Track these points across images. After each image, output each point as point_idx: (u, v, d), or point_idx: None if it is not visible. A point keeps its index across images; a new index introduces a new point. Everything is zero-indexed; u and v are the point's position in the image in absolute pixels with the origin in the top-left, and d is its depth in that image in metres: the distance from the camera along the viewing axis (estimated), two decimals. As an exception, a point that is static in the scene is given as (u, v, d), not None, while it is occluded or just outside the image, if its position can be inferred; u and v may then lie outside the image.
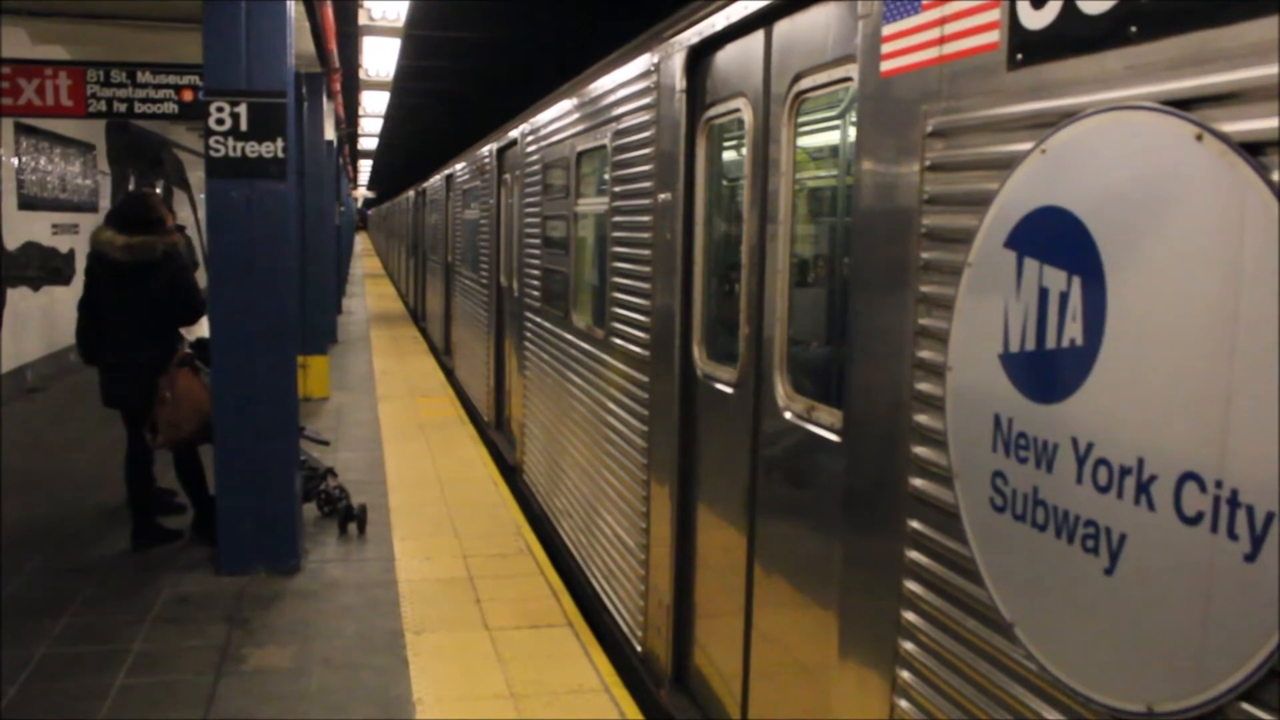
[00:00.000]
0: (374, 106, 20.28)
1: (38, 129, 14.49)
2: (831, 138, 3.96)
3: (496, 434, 11.47)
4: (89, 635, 6.06)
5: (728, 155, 4.80)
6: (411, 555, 7.57)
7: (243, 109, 6.81)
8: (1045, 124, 2.29)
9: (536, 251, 8.71)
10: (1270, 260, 1.75)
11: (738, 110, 4.36)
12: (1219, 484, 1.84)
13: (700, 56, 4.77)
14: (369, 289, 36.71)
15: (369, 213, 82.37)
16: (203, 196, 7.63)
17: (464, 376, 14.61)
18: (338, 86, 16.10)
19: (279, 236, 7.06)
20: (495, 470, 10.27)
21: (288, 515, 7.24)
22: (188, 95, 10.34)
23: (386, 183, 57.84)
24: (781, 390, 3.95)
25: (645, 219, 5.43)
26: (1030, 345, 2.32)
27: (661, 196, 5.16)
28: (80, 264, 11.07)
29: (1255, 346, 1.78)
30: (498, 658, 5.85)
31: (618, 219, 5.99)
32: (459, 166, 15.19)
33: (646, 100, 5.44)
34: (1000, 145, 2.45)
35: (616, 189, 6.00)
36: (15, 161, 14.00)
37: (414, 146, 33.70)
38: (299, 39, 10.75)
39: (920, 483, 2.77)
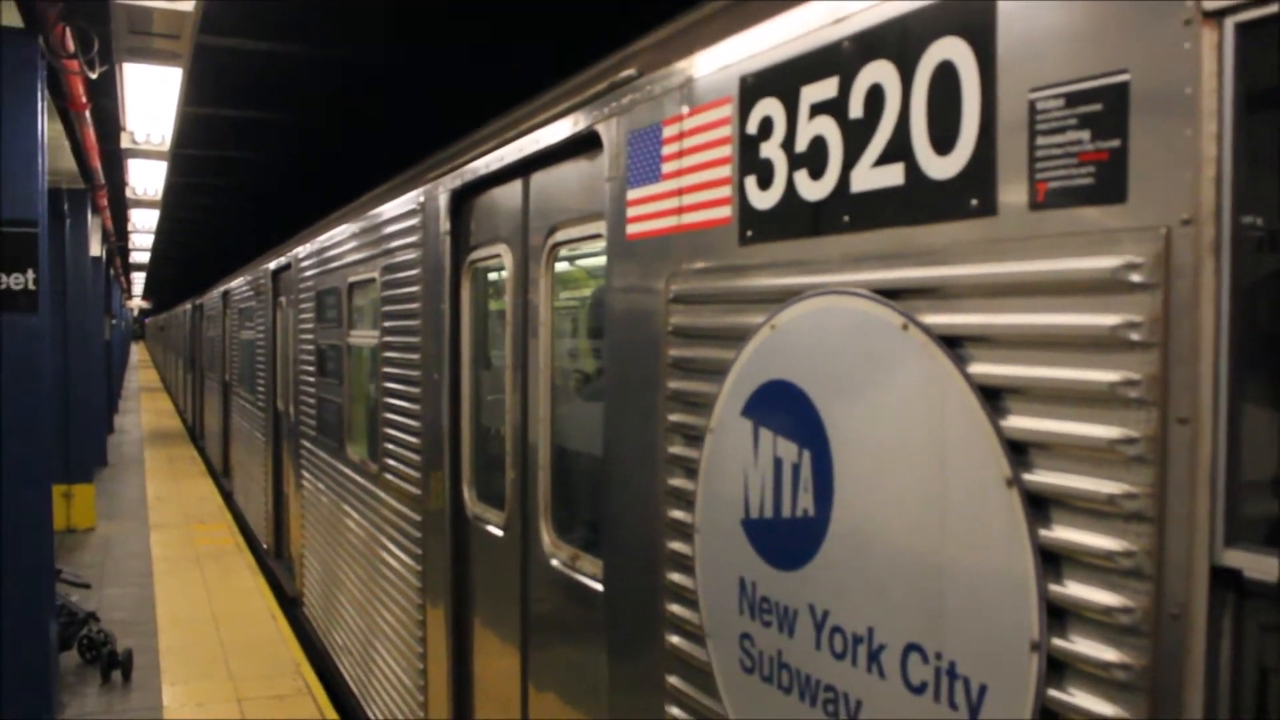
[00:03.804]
0: (145, 222, 19.50)
1: None
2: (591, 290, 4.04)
3: (276, 563, 10.99)
4: None
5: (492, 298, 4.82)
6: (181, 702, 7.19)
7: None
8: (774, 300, 2.40)
9: (312, 379, 8.52)
10: (969, 450, 1.88)
11: (499, 256, 4.39)
12: (939, 655, 1.94)
13: (464, 199, 4.80)
14: (145, 403, 35.01)
15: (146, 321, 79.08)
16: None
17: (243, 501, 14.01)
18: (105, 202, 15.43)
19: (29, 371, 6.63)
20: (274, 603, 9.86)
21: (40, 666, 6.72)
22: None
23: (164, 292, 55.67)
24: (547, 537, 3.93)
25: (414, 356, 5.39)
26: (769, 513, 2.39)
27: (428, 336, 5.14)
28: None
29: (952, 529, 1.90)
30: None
31: (389, 354, 5.94)
32: (237, 283, 14.77)
33: (414, 239, 5.45)
34: (735, 317, 2.54)
35: (387, 324, 5.95)
36: None
37: (191, 258, 32.61)
38: (59, 157, 10.27)
39: (677, 640, 2.79)
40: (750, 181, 2.51)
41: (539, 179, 4.01)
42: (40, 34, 6.64)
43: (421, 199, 5.28)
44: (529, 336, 4.06)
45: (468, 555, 4.86)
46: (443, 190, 4.93)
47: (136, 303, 57.19)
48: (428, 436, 5.19)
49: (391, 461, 5.87)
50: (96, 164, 12.05)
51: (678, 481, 2.78)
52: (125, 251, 27.94)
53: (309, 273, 8.64)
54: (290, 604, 9.52)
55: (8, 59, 6.52)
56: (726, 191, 2.60)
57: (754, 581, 2.45)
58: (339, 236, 7.48)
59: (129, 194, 14.18)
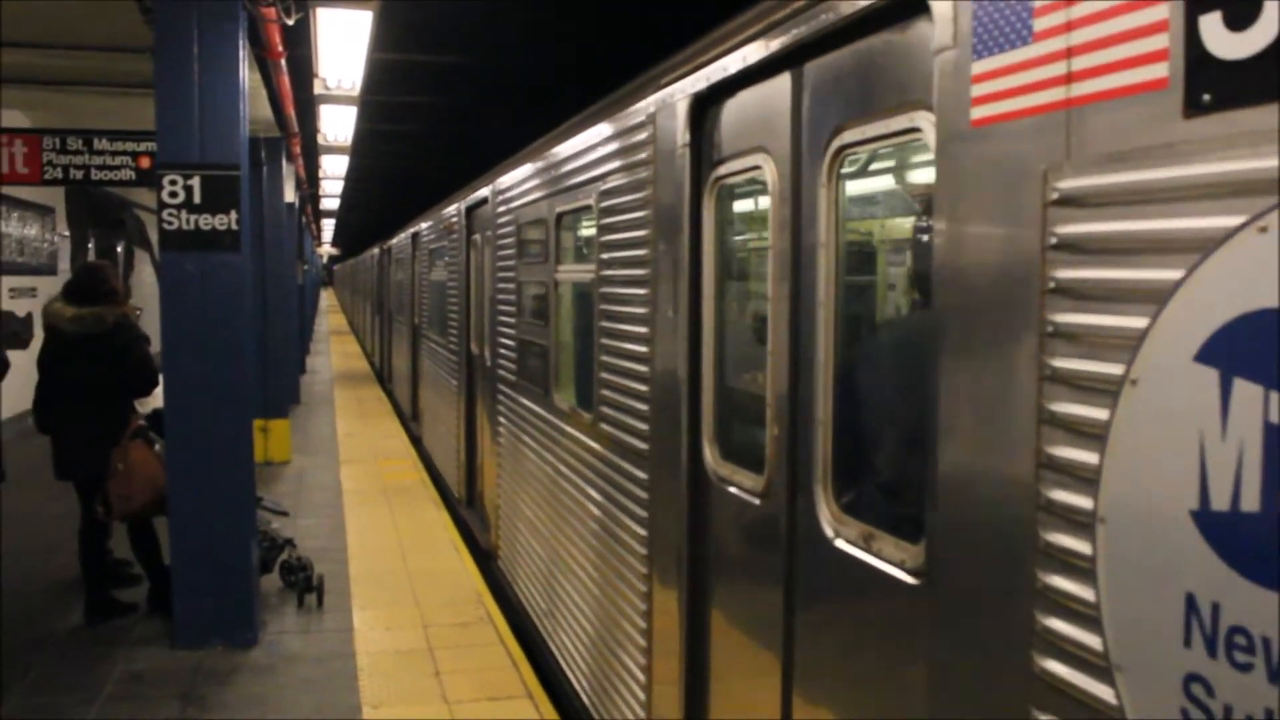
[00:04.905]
0: (335, 169, 19.44)
1: (-6, 193, 13.53)
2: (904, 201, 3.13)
3: (468, 512, 10.14)
4: (41, 715, 5.60)
5: (744, 220, 3.93)
6: (371, 626, 7.06)
7: (196, 182, 6.44)
8: (1259, 192, 1.51)
9: (511, 320, 7.56)
10: None
11: (758, 168, 3.44)
12: None
13: (707, 105, 3.86)
14: (334, 346, 35.45)
15: (334, 269, 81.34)
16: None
17: (432, 445, 13.22)
18: (298, 150, 15.34)
19: (233, 308, 6.66)
20: (457, 535, 9.60)
21: (244, 588, 6.80)
22: (145, 162, 9.96)
23: (351, 239, 56.85)
24: (827, 510, 3.03)
25: (641, 292, 4.45)
26: (1249, 504, 1.52)
27: (661, 267, 4.23)
28: (40, 328, 10.15)
29: None
30: (456, 733, 5.50)
31: (607, 290, 4.98)
32: (426, 224, 13.87)
33: (641, 156, 4.48)
34: (1180, 219, 1.66)
35: (605, 256, 5.00)
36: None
37: (377, 204, 33.00)
38: (257, 105, 10.21)
39: (1056, 667, 1.93)
40: (1210, 22, 1.61)
41: (816, 69, 3.06)
42: (241, -16, 6.69)
43: (651, 110, 4.34)
44: (802, 261, 3.14)
45: (706, 522, 3.95)
46: (680, 96, 3.98)
47: (325, 249, 58.55)
48: (658, 383, 4.27)
49: (610, 411, 4.97)
50: (291, 111, 12.03)
51: (1065, 450, 1.90)
52: (316, 199, 28.33)
53: (508, 206, 7.66)
54: (483, 558, 8.71)
55: (212, 10, 6.54)
56: (1160, 42, 1.70)
57: (1216, 600, 1.58)
58: (544, 164, 6.53)
59: (321, 140, 14.09)
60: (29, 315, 14.83)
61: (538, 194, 6.63)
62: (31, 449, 10.95)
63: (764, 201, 3.39)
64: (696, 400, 3.93)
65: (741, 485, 3.62)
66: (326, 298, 71.35)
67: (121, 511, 6.89)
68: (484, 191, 8.80)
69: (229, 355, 6.63)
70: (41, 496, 9.54)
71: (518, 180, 7.36)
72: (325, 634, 6.88)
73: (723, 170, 3.74)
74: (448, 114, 13.88)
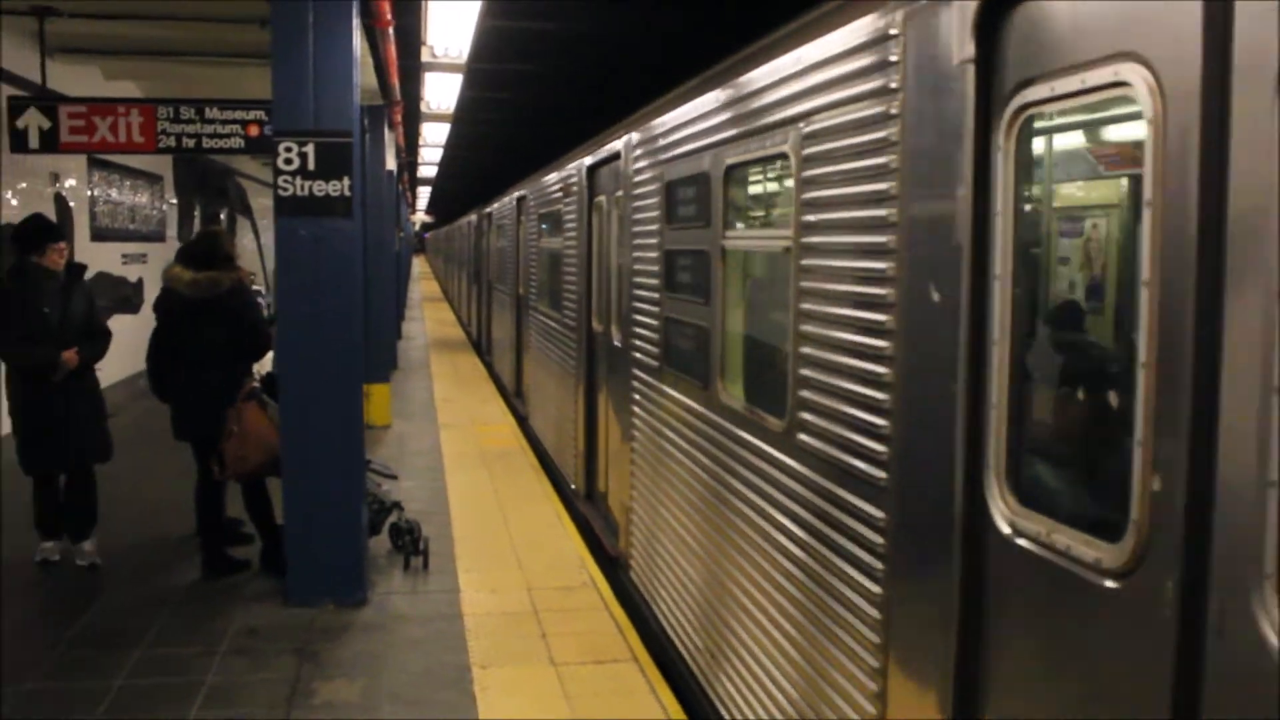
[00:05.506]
0: (434, 137, 19.36)
1: (109, 162, 13.83)
2: None
3: (587, 507, 8.98)
4: (164, 667, 5.85)
5: (1076, 164, 2.88)
6: (476, 588, 7.17)
7: (310, 149, 6.56)
8: None
9: (653, 295, 6.38)
10: None
11: (1121, 85, 2.30)
12: None
13: (1004, 5, 2.72)
14: (427, 313, 35.38)
15: (426, 236, 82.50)
16: (265, 222, 7.62)
17: (541, 428, 11.95)
18: (399, 118, 15.24)
19: (345, 273, 6.72)
20: (558, 502, 9.40)
21: (354, 548, 6.92)
22: (254, 130, 10.23)
23: (445, 207, 57.39)
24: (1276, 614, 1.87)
25: (880, 266, 3.33)
26: None
27: (916, 233, 3.15)
28: (149, 293, 10.86)
29: None
30: (564, 694, 5.53)
31: (813, 262, 3.87)
32: (534, 187, 12.36)
33: (877, 83, 3.35)
34: None
35: (810, 218, 3.90)
36: (89, 194, 13.61)
37: (475, 171, 33.07)
38: (362, 73, 10.63)
39: None
40: None
41: None
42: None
43: (899, 17, 3.21)
44: (1228, 231, 2.03)
45: (988, 595, 2.82)
46: None
47: (419, 217, 59.24)
48: (908, 392, 3.18)
49: (817, 420, 3.84)
50: (395, 80, 12.10)
51: None
52: (414, 166, 28.66)
53: (649, 162, 6.52)
54: (608, 563, 7.86)
55: (326, -19, 6.36)
56: None
57: None
58: (704, 108, 5.34)
59: (423, 108, 14.39)
60: (140, 280, 15.42)
61: (696, 144, 5.47)
62: (144, 410, 11.62)
63: (1127, 132, 2.38)
64: (979, 420, 2.84)
65: (1069, 554, 2.48)
66: (419, 264, 72.19)
67: (237, 471, 7.08)
68: (615, 145, 7.58)
69: (341, 319, 6.69)
70: (160, 452, 9.67)
71: (664, 130, 6.18)
72: (431, 595, 7.00)
73: (1036, 93, 2.61)
74: (561, 81, 13.71)
